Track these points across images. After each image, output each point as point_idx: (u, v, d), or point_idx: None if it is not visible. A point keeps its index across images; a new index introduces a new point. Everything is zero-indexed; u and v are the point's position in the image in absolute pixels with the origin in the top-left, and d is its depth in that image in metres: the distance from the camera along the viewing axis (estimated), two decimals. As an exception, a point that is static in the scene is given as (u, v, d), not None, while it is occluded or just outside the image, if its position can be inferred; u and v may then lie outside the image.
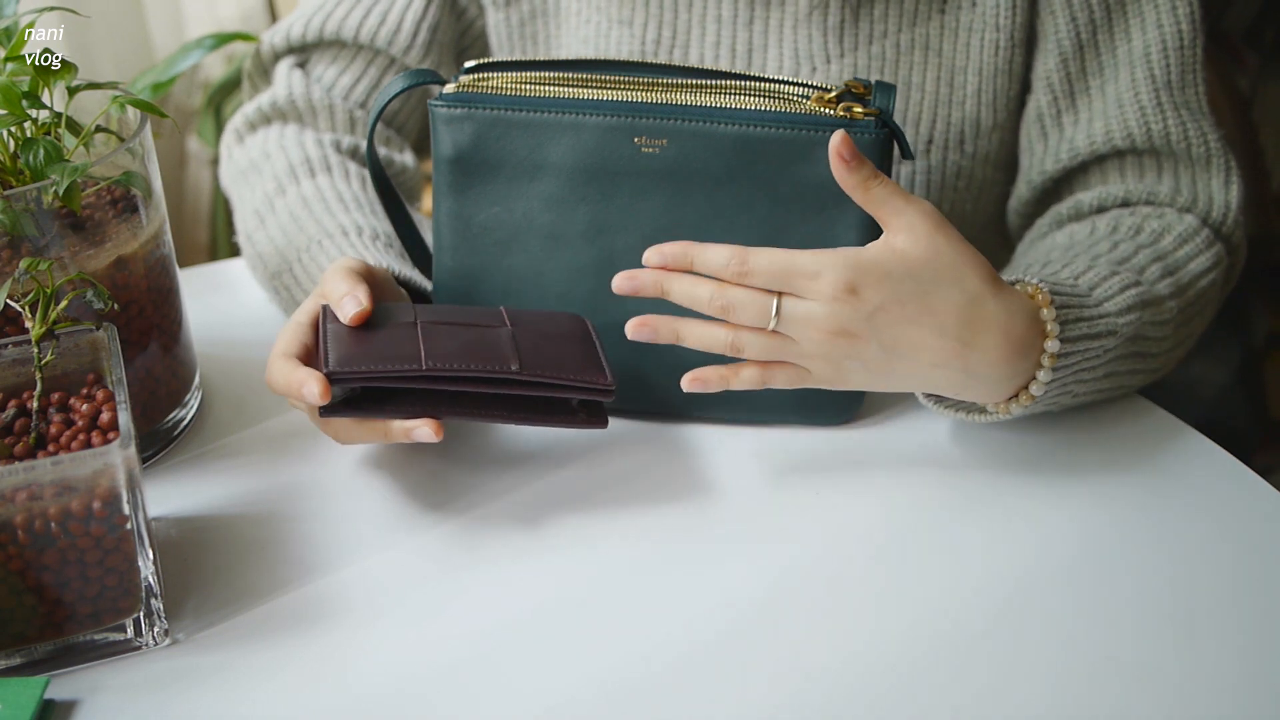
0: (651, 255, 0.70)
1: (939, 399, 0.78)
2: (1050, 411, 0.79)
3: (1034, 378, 0.73)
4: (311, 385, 0.67)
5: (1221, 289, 0.88)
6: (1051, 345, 0.72)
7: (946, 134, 0.92)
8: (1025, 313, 0.71)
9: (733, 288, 0.69)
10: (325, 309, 0.73)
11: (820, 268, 0.67)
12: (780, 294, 0.69)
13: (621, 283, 0.70)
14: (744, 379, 0.71)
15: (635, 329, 0.70)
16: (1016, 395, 0.74)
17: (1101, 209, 0.89)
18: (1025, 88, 0.93)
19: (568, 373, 0.70)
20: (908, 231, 0.69)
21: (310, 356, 0.71)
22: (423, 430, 0.68)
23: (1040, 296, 0.73)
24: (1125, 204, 0.88)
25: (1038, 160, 0.93)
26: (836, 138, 0.68)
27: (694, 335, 0.70)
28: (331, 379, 0.67)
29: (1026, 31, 0.90)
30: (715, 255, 0.68)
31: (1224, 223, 0.87)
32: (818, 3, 0.89)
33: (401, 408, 0.69)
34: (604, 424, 0.72)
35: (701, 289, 0.69)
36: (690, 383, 0.71)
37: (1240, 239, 0.89)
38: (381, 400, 0.69)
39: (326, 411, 0.69)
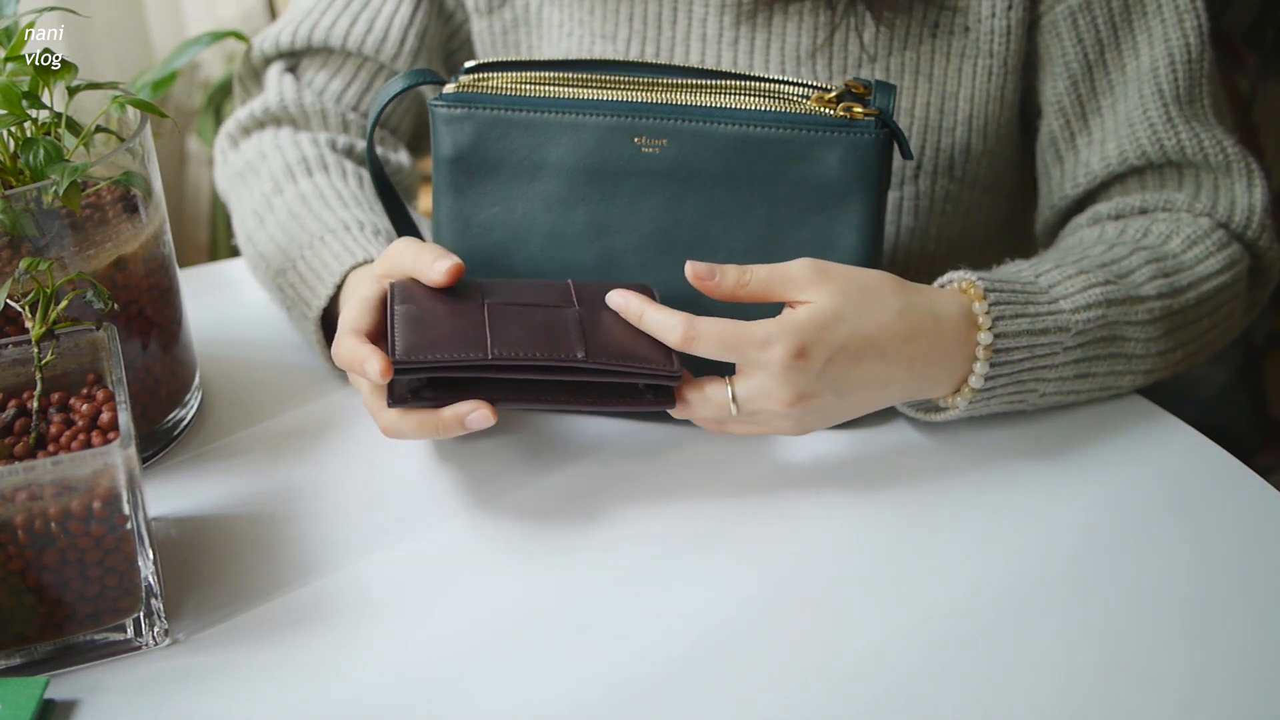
0: (614, 297, 0.71)
1: (909, 403, 0.79)
2: (1022, 410, 0.80)
3: (972, 370, 0.74)
4: (374, 362, 0.67)
5: (1246, 292, 0.88)
6: (984, 338, 0.73)
7: (936, 159, 0.92)
8: (956, 307, 0.73)
9: (688, 389, 0.70)
10: (394, 288, 0.72)
11: (769, 336, 0.68)
12: (729, 379, 0.70)
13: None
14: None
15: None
16: (960, 389, 0.75)
17: (1118, 216, 0.89)
18: (1017, 113, 0.93)
19: (635, 360, 0.69)
20: (809, 288, 0.70)
21: (378, 336, 0.71)
22: (476, 415, 0.67)
23: (973, 291, 0.75)
24: (1143, 211, 0.88)
25: (1056, 185, 0.93)
26: (686, 269, 0.70)
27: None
28: (397, 368, 0.67)
29: (1021, 58, 0.89)
30: (662, 318, 0.69)
31: (1248, 226, 0.87)
32: (806, 25, 0.88)
33: (468, 395, 0.68)
34: (672, 404, 0.71)
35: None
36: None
37: (1269, 241, 0.88)
38: (448, 388, 0.69)
39: (395, 403, 0.68)
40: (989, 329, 0.73)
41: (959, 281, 0.76)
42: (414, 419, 0.69)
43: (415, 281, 0.73)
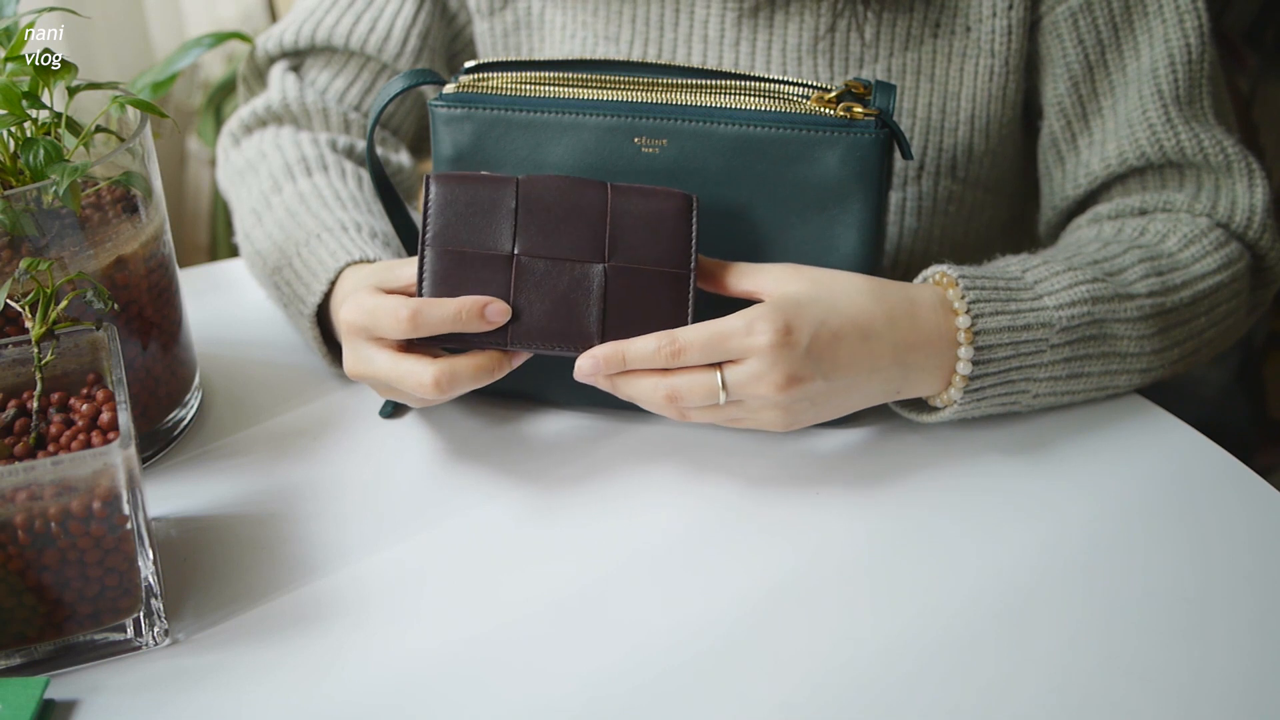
0: (584, 364, 0.70)
1: (904, 403, 0.79)
2: (1016, 412, 0.80)
3: (957, 357, 0.74)
4: (495, 305, 0.69)
5: (1248, 292, 0.88)
6: (963, 321, 0.74)
7: (939, 159, 0.92)
8: (932, 296, 0.74)
9: (675, 375, 0.69)
10: (430, 189, 0.72)
11: (750, 321, 0.69)
12: (719, 366, 0.70)
13: (581, 373, 0.71)
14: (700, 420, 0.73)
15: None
16: (950, 381, 0.75)
17: (1117, 217, 0.89)
18: (1019, 113, 0.93)
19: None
20: (778, 276, 0.72)
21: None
22: (518, 359, 0.72)
23: (945, 280, 0.75)
24: (1142, 212, 0.88)
25: (1058, 186, 0.93)
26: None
27: (635, 395, 0.71)
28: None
29: (1022, 57, 0.89)
30: (643, 347, 0.69)
31: (1249, 226, 0.87)
32: (807, 25, 0.88)
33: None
34: None
35: (644, 384, 0.70)
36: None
37: (1271, 241, 0.88)
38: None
39: (429, 342, 0.71)
40: (966, 312, 0.74)
41: (934, 274, 0.76)
42: (473, 364, 0.70)
43: (453, 193, 0.72)
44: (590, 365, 0.70)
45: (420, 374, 0.70)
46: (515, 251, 0.71)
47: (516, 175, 0.73)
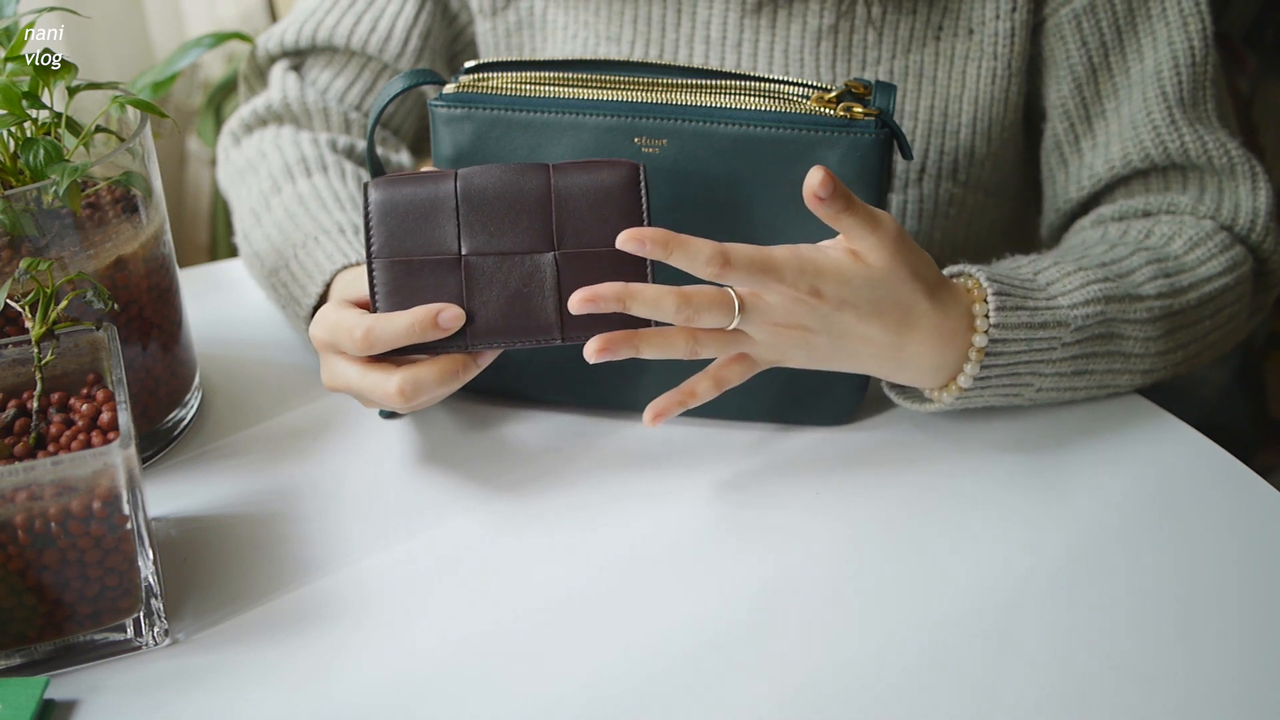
0: (627, 240, 0.66)
1: (899, 390, 0.79)
2: (1017, 405, 0.80)
3: (962, 370, 0.75)
4: (448, 311, 0.68)
5: (1250, 295, 0.88)
6: (979, 340, 0.74)
7: (940, 163, 0.92)
8: (959, 308, 0.74)
9: (696, 297, 0.67)
10: (371, 201, 0.71)
11: (787, 269, 0.68)
12: (739, 295, 0.69)
13: (580, 303, 0.67)
14: (701, 395, 0.72)
15: (594, 355, 0.68)
16: (948, 385, 0.75)
17: (1122, 219, 0.89)
18: (1021, 115, 0.93)
19: (612, 324, 0.69)
20: (875, 250, 0.70)
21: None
22: (485, 359, 0.71)
23: (977, 291, 0.75)
24: (1146, 214, 0.88)
25: (1061, 189, 0.93)
26: (816, 175, 0.66)
27: (651, 346, 0.69)
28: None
29: (1025, 60, 0.89)
30: (699, 249, 0.66)
31: (1252, 229, 0.87)
32: (809, 29, 0.88)
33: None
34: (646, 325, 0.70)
35: (667, 301, 0.67)
36: (655, 418, 0.71)
37: (1274, 245, 0.88)
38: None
39: (397, 351, 0.70)
40: (984, 331, 0.74)
41: (965, 279, 0.76)
42: (436, 369, 0.69)
43: (392, 199, 0.70)
44: (635, 244, 0.66)
45: (385, 384, 0.70)
46: (463, 252, 0.70)
47: (456, 169, 0.72)
